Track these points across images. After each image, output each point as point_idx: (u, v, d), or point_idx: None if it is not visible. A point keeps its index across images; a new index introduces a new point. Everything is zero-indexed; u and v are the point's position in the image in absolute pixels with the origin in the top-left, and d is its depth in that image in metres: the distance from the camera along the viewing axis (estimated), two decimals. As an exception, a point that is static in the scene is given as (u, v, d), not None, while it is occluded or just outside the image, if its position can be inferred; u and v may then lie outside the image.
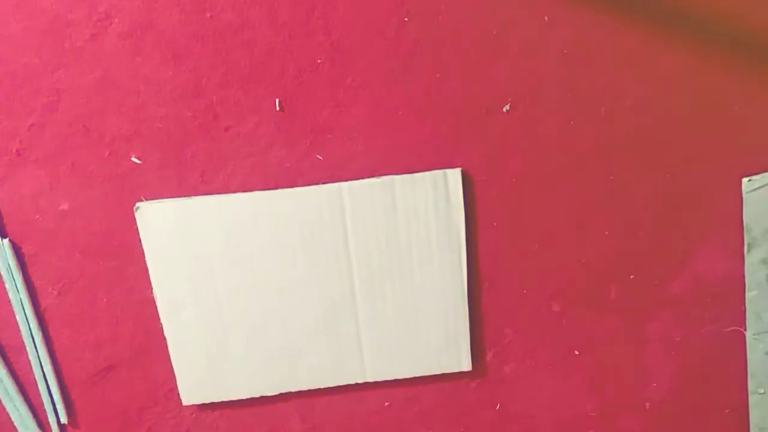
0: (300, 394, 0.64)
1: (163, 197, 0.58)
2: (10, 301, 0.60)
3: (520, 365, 0.64)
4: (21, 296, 0.60)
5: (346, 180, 0.58)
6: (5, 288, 0.59)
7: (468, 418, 0.66)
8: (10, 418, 0.64)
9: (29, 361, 0.62)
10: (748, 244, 0.61)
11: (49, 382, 0.63)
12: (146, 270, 0.59)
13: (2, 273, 0.59)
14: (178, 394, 0.63)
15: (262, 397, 0.63)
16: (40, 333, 0.61)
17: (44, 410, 0.63)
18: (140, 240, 0.58)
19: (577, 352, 0.64)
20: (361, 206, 0.58)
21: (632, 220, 0.61)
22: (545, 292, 0.62)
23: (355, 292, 0.60)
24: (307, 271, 0.60)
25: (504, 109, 0.58)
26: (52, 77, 0.55)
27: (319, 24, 0.55)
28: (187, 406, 0.64)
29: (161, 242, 0.58)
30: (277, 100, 0.57)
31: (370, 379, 0.63)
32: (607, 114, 0.58)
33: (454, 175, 0.58)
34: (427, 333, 0.62)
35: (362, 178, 0.58)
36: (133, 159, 0.57)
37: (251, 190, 0.58)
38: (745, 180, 0.60)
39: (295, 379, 0.63)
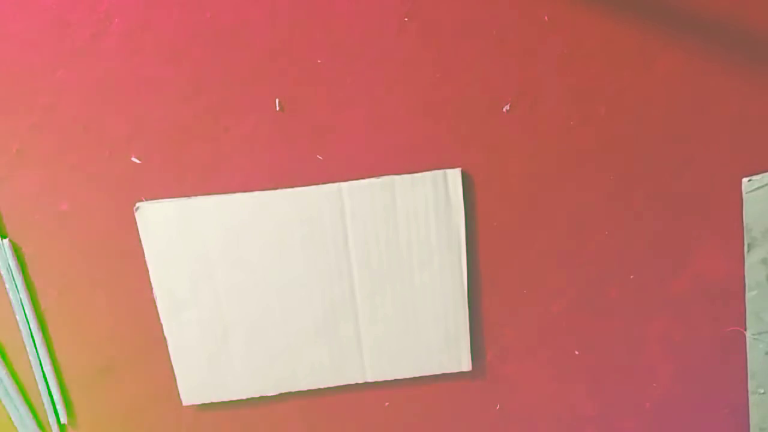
0: (300, 394, 0.64)
1: (163, 197, 0.58)
2: (10, 301, 0.60)
3: (520, 365, 0.64)
4: (21, 296, 0.60)
5: (346, 180, 0.58)
6: (5, 288, 0.60)
7: (468, 418, 0.66)
8: (10, 418, 0.64)
9: (29, 361, 0.62)
10: (748, 244, 0.61)
11: (49, 382, 0.63)
12: (146, 270, 0.59)
13: (2, 273, 0.59)
14: (178, 394, 0.63)
15: (262, 397, 0.63)
16: (40, 333, 0.61)
17: (44, 410, 0.63)
18: (140, 240, 0.58)
19: (577, 352, 0.64)
20: (361, 206, 0.58)
21: (632, 220, 0.61)
22: (545, 292, 0.62)
23: (355, 292, 0.60)
24: (307, 271, 0.60)
25: (504, 109, 0.58)
26: (52, 77, 0.55)
27: (319, 24, 0.55)
28: (187, 406, 0.64)
29: (161, 242, 0.58)
30: (277, 100, 0.57)
31: (370, 379, 0.63)
32: (607, 114, 0.58)
33: (454, 175, 0.58)
34: (427, 333, 0.62)
35: (362, 178, 0.58)
36: (133, 159, 0.57)
37: (251, 190, 0.58)
38: (745, 180, 0.60)
39: (295, 379, 0.63)
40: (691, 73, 0.57)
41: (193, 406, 0.64)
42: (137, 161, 0.57)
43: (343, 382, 0.63)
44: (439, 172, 0.58)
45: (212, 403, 0.64)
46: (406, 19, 0.55)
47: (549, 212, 0.60)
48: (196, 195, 0.58)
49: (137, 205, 0.58)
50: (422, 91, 0.57)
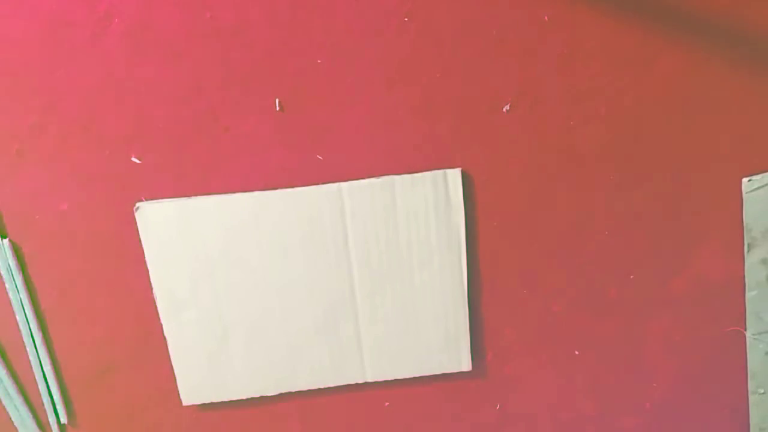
0: (300, 394, 0.64)
1: (163, 197, 0.58)
2: (10, 301, 0.60)
3: (520, 365, 0.64)
4: (21, 296, 0.60)
5: (346, 180, 0.58)
6: (5, 288, 0.60)
7: (468, 418, 0.66)
8: (10, 418, 0.64)
9: (29, 361, 0.62)
10: (748, 244, 0.61)
11: (49, 382, 0.63)
12: (146, 270, 0.59)
13: (2, 273, 0.59)
14: (178, 394, 0.63)
15: (262, 397, 0.63)
16: (40, 333, 0.61)
17: (44, 410, 0.63)
18: (140, 240, 0.58)
19: (577, 352, 0.64)
20: (361, 206, 0.58)
21: (632, 220, 0.61)
22: (545, 292, 0.62)
23: (355, 292, 0.60)
24: (307, 271, 0.60)
25: (504, 109, 0.58)
26: (52, 77, 0.55)
27: (319, 24, 0.55)
28: (187, 406, 0.64)
29: (161, 242, 0.58)
30: (277, 100, 0.57)
31: (370, 379, 0.63)
32: (607, 114, 0.58)
33: (454, 175, 0.58)
34: (427, 333, 0.62)
35: (362, 178, 0.58)
36: (133, 159, 0.57)
37: (251, 190, 0.58)
38: (745, 180, 0.60)
39: (295, 379, 0.63)
40: (691, 73, 0.57)
41: (193, 406, 0.64)
42: (137, 161, 0.57)
43: (343, 382, 0.63)
44: (439, 172, 0.58)
45: (212, 403, 0.64)
46: (406, 19, 0.55)
47: (549, 212, 0.60)
48: (196, 195, 0.58)
49: (137, 205, 0.58)
50: (422, 91, 0.57)
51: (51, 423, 0.64)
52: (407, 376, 0.63)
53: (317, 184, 0.58)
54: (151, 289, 0.60)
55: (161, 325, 0.61)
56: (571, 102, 0.58)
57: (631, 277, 0.62)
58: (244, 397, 0.63)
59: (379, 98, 0.57)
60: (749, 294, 0.62)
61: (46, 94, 0.56)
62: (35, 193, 0.58)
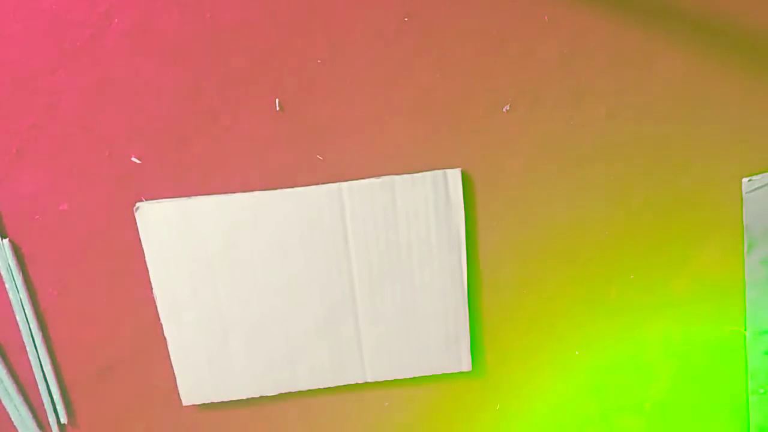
0: (300, 394, 0.64)
1: (163, 197, 0.58)
2: (10, 301, 0.60)
3: (520, 365, 0.64)
4: (21, 296, 0.60)
5: (346, 180, 0.58)
6: (5, 288, 0.60)
7: (468, 418, 0.66)
8: (10, 418, 0.64)
9: (29, 361, 0.62)
10: (748, 244, 0.61)
11: (49, 382, 0.63)
12: (146, 270, 0.59)
13: (2, 273, 0.59)
14: (178, 394, 0.63)
15: (262, 397, 0.63)
16: (40, 333, 0.61)
17: (44, 410, 0.63)
18: (140, 240, 0.58)
19: (577, 352, 0.64)
20: (361, 206, 0.58)
21: (632, 220, 0.61)
22: (545, 292, 0.62)
23: (355, 292, 0.60)
24: (307, 271, 0.60)
25: (504, 109, 0.58)
26: (52, 77, 0.55)
27: (319, 24, 0.55)
28: (187, 406, 0.64)
29: (161, 242, 0.58)
30: (277, 100, 0.57)
31: (370, 379, 0.63)
32: (607, 114, 0.58)
33: (454, 175, 0.58)
34: (427, 333, 0.62)
35: (362, 178, 0.58)
36: (133, 159, 0.57)
37: (251, 190, 0.58)
38: (745, 180, 0.60)
39: (295, 379, 0.63)
40: (691, 73, 0.57)
41: (193, 406, 0.64)
42: (137, 161, 0.57)
43: (343, 382, 0.63)
44: (439, 172, 0.58)
45: (212, 403, 0.64)
46: (406, 19, 0.55)
47: (549, 212, 0.60)
48: (196, 195, 0.58)
49: (137, 205, 0.58)
50: (422, 91, 0.57)
51: (51, 423, 0.64)
52: (407, 376, 0.63)
53: (317, 184, 0.58)
54: (151, 289, 0.60)
55: (161, 325, 0.61)
56: (571, 102, 0.58)
57: (631, 277, 0.62)
58: (244, 397, 0.63)
59: (380, 98, 0.57)
60: (749, 294, 0.62)
61: (46, 94, 0.56)
62: (35, 193, 0.58)
